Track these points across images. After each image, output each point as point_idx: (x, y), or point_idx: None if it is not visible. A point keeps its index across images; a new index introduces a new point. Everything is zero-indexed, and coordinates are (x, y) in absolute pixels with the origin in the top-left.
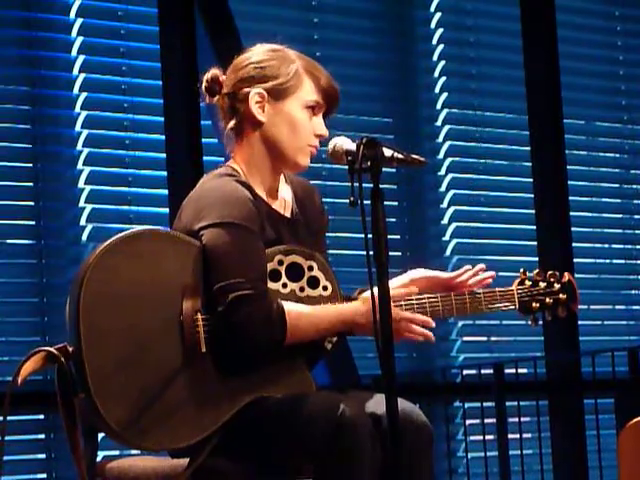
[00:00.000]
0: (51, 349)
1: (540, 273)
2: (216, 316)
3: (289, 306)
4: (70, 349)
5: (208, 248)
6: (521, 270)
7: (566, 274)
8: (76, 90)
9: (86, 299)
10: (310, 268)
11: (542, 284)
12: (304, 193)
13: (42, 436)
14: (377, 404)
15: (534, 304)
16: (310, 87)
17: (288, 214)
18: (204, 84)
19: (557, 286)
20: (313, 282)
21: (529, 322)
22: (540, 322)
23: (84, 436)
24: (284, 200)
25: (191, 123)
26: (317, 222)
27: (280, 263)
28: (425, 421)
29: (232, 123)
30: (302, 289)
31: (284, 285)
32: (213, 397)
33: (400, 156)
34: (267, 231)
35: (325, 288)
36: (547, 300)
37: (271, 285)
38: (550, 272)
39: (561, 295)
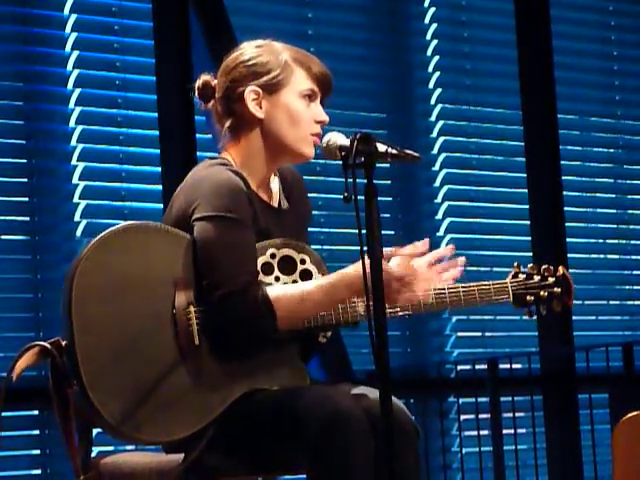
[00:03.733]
0: (44, 343)
1: (534, 267)
2: (209, 311)
3: (276, 292)
4: (63, 343)
5: (199, 242)
6: (515, 264)
7: (560, 268)
8: (70, 86)
9: (78, 293)
10: (302, 261)
11: (536, 277)
12: (293, 180)
13: (37, 432)
14: (369, 397)
15: (528, 297)
16: (302, 76)
17: (275, 204)
18: (196, 92)
19: (551, 280)
20: (306, 275)
21: (524, 315)
22: (535, 317)
23: (78, 432)
24: (272, 191)
25: (185, 119)
26: (303, 209)
27: (272, 256)
28: (409, 418)
29: (229, 123)
30: (295, 282)
31: (277, 278)
32: (207, 389)
33: (394, 151)
34: (258, 221)
35: None
36: (541, 293)
37: (264, 279)
38: (545, 266)
39: (555, 289)
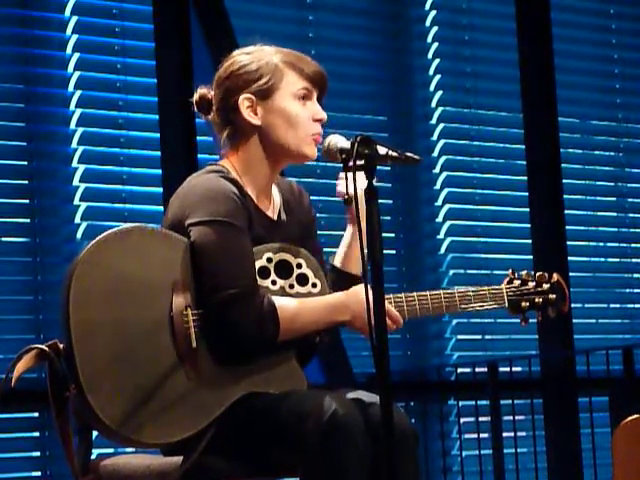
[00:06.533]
0: (42, 346)
1: (529, 273)
2: (207, 315)
3: (281, 301)
4: (61, 346)
5: (197, 246)
6: (510, 270)
7: (555, 275)
8: (71, 88)
9: (76, 296)
10: (299, 265)
11: (531, 284)
12: (291, 195)
13: (36, 434)
14: (368, 401)
15: (523, 303)
16: (293, 77)
17: (275, 216)
18: (195, 106)
19: (546, 286)
20: (302, 279)
21: (520, 321)
22: (531, 320)
23: (78, 434)
24: (273, 202)
25: (186, 121)
26: (305, 222)
27: (269, 260)
28: (410, 424)
29: (227, 132)
30: (291, 286)
31: (273, 282)
32: (205, 392)
33: (394, 154)
34: (254, 229)
35: (314, 285)
36: (536, 299)
37: (260, 282)
38: (539, 273)
39: (550, 295)
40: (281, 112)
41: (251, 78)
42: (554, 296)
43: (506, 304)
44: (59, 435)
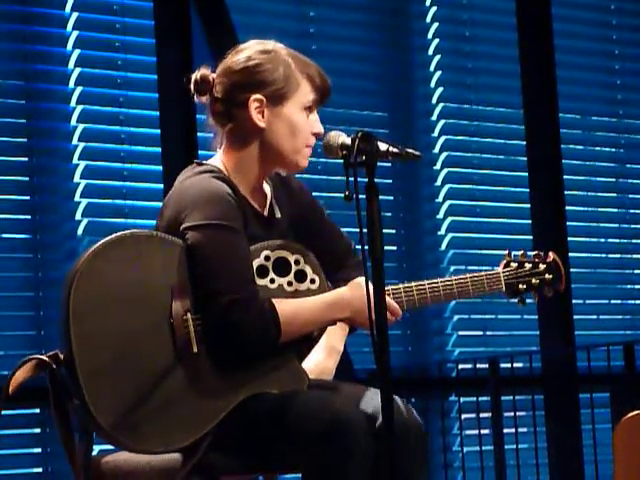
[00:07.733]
0: (42, 357)
1: (525, 254)
2: (208, 320)
3: (280, 304)
4: (61, 356)
5: (194, 251)
6: (505, 252)
7: (551, 254)
8: (72, 84)
9: (75, 306)
10: (297, 262)
11: (527, 265)
12: (283, 187)
13: (37, 430)
14: (371, 400)
15: (520, 285)
16: (307, 88)
17: (266, 212)
18: (192, 84)
19: (542, 266)
20: (300, 276)
21: (517, 304)
22: (532, 317)
23: (79, 431)
24: (265, 198)
25: (186, 117)
26: (296, 216)
27: (267, 259)
28: (414, 420)
29: (228, 127)
30: (290, 283)
31: (272, 280)
32: (206, 397)
33: (395, 150)
34: (249, 228)
35: (313, 281)
36: (533, 281)
37: (259, 281)
38: (535, 252)
39: (547, 275)
40: (287, 120)
41: (266, 80)
42: (550, 276)
43: (503, 288)
44: (63, 445)
